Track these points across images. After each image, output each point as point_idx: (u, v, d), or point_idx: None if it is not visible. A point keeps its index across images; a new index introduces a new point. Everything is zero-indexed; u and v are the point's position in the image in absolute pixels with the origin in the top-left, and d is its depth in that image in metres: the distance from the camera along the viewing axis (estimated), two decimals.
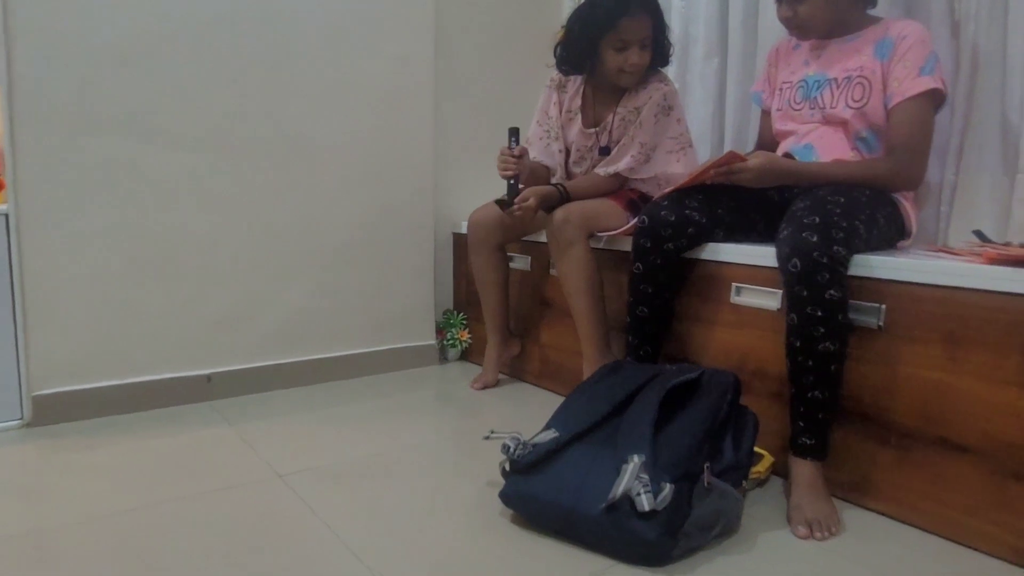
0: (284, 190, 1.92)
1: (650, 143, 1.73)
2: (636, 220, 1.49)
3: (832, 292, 1.17)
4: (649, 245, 1.46)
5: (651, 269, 1.47)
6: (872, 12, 1.51)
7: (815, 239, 1.18)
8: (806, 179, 1.42)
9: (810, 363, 1.19)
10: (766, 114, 1.71)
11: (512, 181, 1.71)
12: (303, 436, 1.59)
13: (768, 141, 1.68)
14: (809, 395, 1.21)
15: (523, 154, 1.71)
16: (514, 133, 1.71)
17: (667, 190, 1.53)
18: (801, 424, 1.23)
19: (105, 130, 1.64)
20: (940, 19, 1.57)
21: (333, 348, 2.05)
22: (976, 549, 1.13)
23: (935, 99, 1.40)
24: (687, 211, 1.45)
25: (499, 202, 1.73)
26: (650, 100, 1.70)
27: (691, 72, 2.14)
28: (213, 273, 1.82)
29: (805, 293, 1.18)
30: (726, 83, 2.06)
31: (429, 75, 2.18)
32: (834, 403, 1.22)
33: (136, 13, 1.66)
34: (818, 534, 1.16)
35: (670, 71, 2.14)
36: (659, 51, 1.71)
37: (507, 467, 1.21)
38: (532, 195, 1.70)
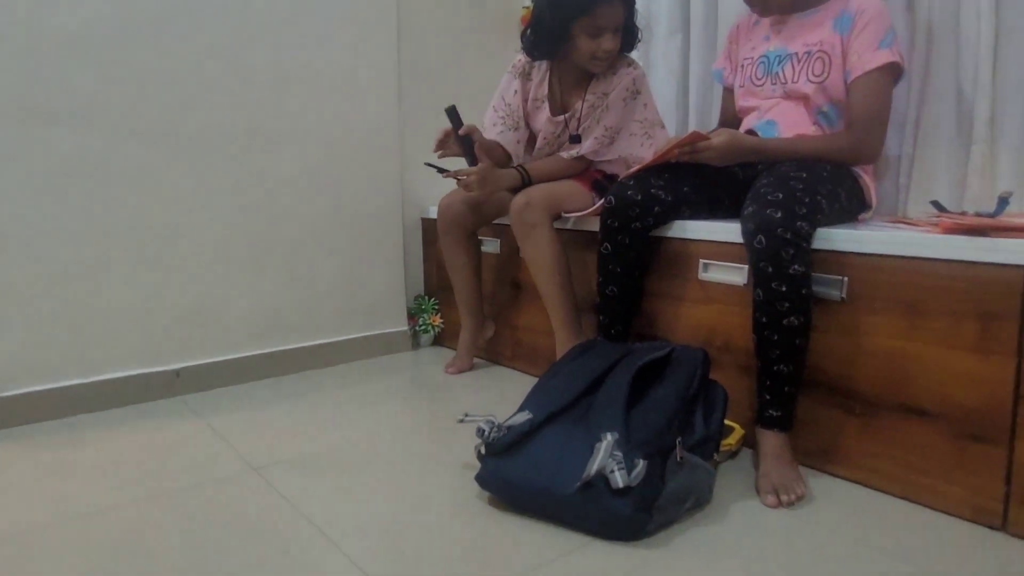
0: (246, 179, 1.89)
1: (615, 126, 1.72)
2: (603, 200, 1.50)
3: (796, 267, 1.19)
4: (616, 224, 1.47)
5: (619, 248, 1.48)
6: None
7: (779, 215, 1.20)
8: (769, 155, 1.44)
9: (776, 337, 1.22)
10: (728, 91, 1.72)
11: (467, 141, 1.66)
12: (277, 428, 1.58)
13: (731, 118, 1.70)
14: (775, 368, 1.24)
15: (471, 131, 1.67)
16: (452, 113, 1.66)
17: (632, 169, 1.54)
18: (767, 397, 1.26)
19: (57, 122, 1.59)
20: None
21: (304, 338, 2.04)
22: (938, 510, 1.17)
23: (893, 72, 1.43)
24: (653, 190, 1.47)
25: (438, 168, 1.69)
26: (619, 85, 1.70)
27: (654, 50, 2.15)
28: (177, 266, 1.79)
29: (770, 269, 1.20)
30: (689, 60, 2.07)
31: (392, 59, 2.16)
32: (799, 376, 1.25)
33: (87, 1, 1.61)
34: (784, 498, 1.19)
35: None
36: (628, 37, 1.69)
37: (482, 450, 1.22)
38: (487, 173, 1.66)
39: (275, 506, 1.20)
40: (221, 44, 1.81)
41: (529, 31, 1.71)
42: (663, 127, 1.79)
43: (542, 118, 1.82)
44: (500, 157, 1.87)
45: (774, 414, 1.26)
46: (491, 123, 1.87)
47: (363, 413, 1.68)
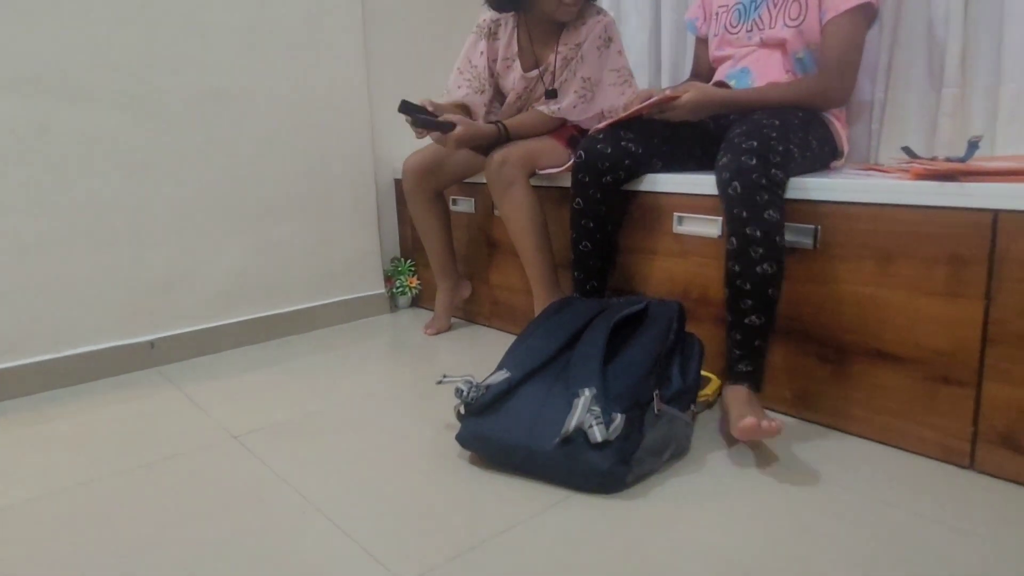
0: (211, 144, 1.84)
1: (593, 77, 1.69)
2: (573, 156, 1.48)
3: (770, 212, 1.19)
4: (588, 179, 1.46)
5: (591, 203, 1.47)
6: None
7: (753, 162, 1.19)
8: (739, 106, 1.42)
9: (748, 286, 1.21)
10: (701, 42, 1.69)
11: (424, 119, 1.59)
12: (255, 395, 1.57)
13: (704, 69, 1.68)
14: (746, 320, 1.23)
15: (430, 106, 1.61)
16: (407, 108, 1.58)
17: (602, 124, 1.52)
18: (738, 352, 1.24)
19: (9, 90, 1.53)
20: None
21: (279, 304, 2.02)
22: (910, 451, 1.20)
23: (867, 13, 1.41)
24: (623, 143, 1.45)
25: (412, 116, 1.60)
26: (591, 34, 1.66)
27: (626, 1, 2.10)
28: (145, 237, 1.75)
29: (745, 214, 1.20)
30: (660, 10, 2.03)
31: (356, 14, 2.09)
32: (769, 329, 1.24)
33: None
34: (764, 423, 1.12)
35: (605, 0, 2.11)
36: None
37: (462, 410, 1.22)
38: (465, 130, 1.60)
39: (256, 473, 1.20)
40: (180, 6, 1.74)
41: None
42: (633, 77, 1.76)
43: (514, 76, 1.77)
44: (468, 115, 1.82)
45: (744, 369, 1.24)
46: (455, 86, 1.81)
47: (341, 378, 1.67)
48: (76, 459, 1.28)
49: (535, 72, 1.75)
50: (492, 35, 1.78)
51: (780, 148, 1.23)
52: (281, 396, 1.56)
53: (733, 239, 1.22)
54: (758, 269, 1.20)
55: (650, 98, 1.43)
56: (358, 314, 2.19)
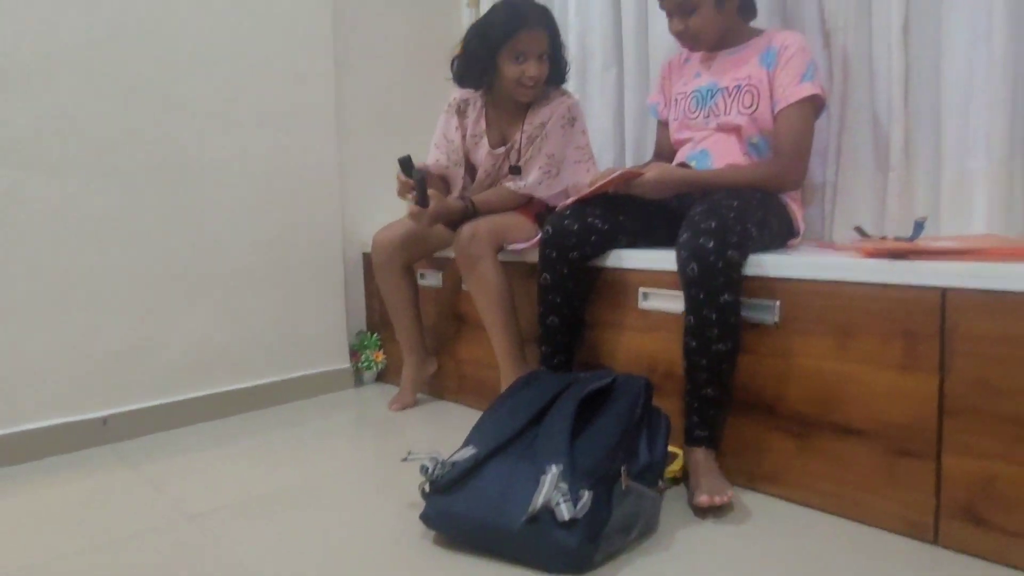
0: (179, 214, 1.84)
1: (557, 155, 1.75)
2: (540, 232, 1.52)
3: (726, 296, 1.23)
4: (555, 255, 1.48)
5: (558, 278, 1.50)
6: (753, 24, 1.60)
7: (711, 244, 1.23)
8: (700, 185, 1.48)
9: (704, 362, 1.26)
10: (662, 124, 1.77)
11: (420, 178, 1.63)
12: (213, 474, 1.52)
13: (666, 150, 1.75)
14: (702, 392, 1.29)
15: (425, 176, 1.66)
16: (405, 163, 1.64)
17: (568, 201, 1.57)
18: (695, 419, 1.31)
19: None
20: (813, 29, 1.68)
21: (241, 379, 1.98)
22: (874, 526, 1.20)
23: (815, 104, 1.50)
24: (590, 219, 1.49)
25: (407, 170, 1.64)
26: (555, 113, 1.73)
27: (590, 84, 2.20)
28: (103, 307, 1.72)
29: (702, 296, 1.24)
30: (623, 93, 2.12)
31: (330, 91, 2.15)
32: (725, 400, 1.31)
33: (13, 32, 1.56)
34: (717, 498, 1.22)
35: (570, 83, 2.20)
36: (556, 67, 1.74)
37: (427, 488, 1.19)
38: (437, 205, 1.66)
39: (211, 556, 1.15)
40: (151, 76, 1.77)
41: (457, 61, 1.75)
42: (593, 159, 1.83)
43: (481, 152, 1.83)
44: (442, 190, 1.87)
45: (701, 434, 1.31)
46: (434, 160, 1.88)
47: (303, 455, 1.63)
48: (21, 542, 1.21)
49: (502, 149, 1.80)
50: (462, 113, 1.85)
51: (738, 228, 1.28)
52: (239, 475, 1.51)
53: (691, 317, 1.26)
54: (713, 348, 1.25)
55: (613, 175, 1.48)
56: (322, 389, 2.15)
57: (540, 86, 1.71)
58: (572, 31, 2.19)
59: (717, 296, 1.23)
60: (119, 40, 1.72)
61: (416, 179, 1.62)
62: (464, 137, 1.85)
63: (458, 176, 1.86)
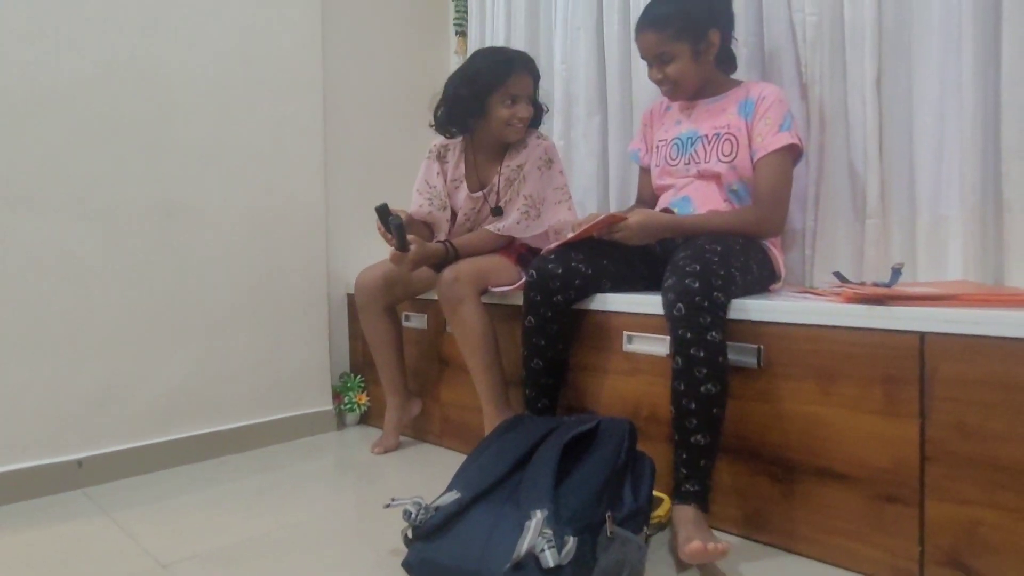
0: (163, 255, 1.83)
1: (536, 195, 1.78)
2: (525, 275, 1.53)
3: (713, 334, 1.24)
4: (539, 298, 1.49)
5: (542, 322, 1.50)
6: (732, 76, 1.66)
7: (696, 285, 1.25)
8: (683, 230, 1.51)
9: (693, 406, 1.24)
10: (644, 171, 1.81)
11: (397, 224, 1.63)
12: (189, 520, 1.48)
13: (647, 196, 1.78)
14: (692, 440, 1.24)
15: (402, 222, 1.65)
16: (382, 211, 1.64)
17: (553, 245, 1.58)
18: (684, 471, 1.25)
19: None
20: (791, 82, 1.73)
21: (220, 421, 1.94)
22: (859, 572, 1.19)
23: (793, 153, 1.54)
24: (573, 263, 1.50)
25: (386, 222, 1.65)
26: (532, 155, 1.78)
27: (575, 129, 2.24)
28: (83, 347, 1.70)
29: (689, 335, 1.24)
30: (608, 139, 2.17)
31: (317, 134, 2.17)
32: (714, 449, 1.25)
33: (2, 71, 1.57)
34: (711, 545, 1.12)
35: (556, 128, 2.25)
36: (537, 113, 1.81)
37: (409, 534, 1.17)
38: (417, 250, 1.66)
39: None
40: (139, 117, 1.78)
41: (441, 109, 1.79)
42: (570, 196, 1.86)
43: (461, 196, 1.87)
44: (425, 235, 1.89)
45: (691, 489, 1.25)
46: (417, 206, 1.91)
47: (283, 500, 1.60)
48: None
49: (480, 193, 1.84)
50: (442, 158, 1.90)
51: (722, 272, 1.29)
52: (217, 520, 1.48)
53: (678, 359, 1.26)
54: (702, 389, 1.23)
55: (598, 219, 1.51)
56: (303, 432, 2.12)
57: (527, 125, 1.77)
58: (558, 77, 2.24)
59: (704, 334, 1.23)
60: (108, 81, 1.73)
61: (393, 225, 1.63)
62: (445, 181, 1.89)
63: (443, 220, 1.89)
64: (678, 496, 1.26)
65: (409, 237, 1.66)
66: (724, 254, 1.34)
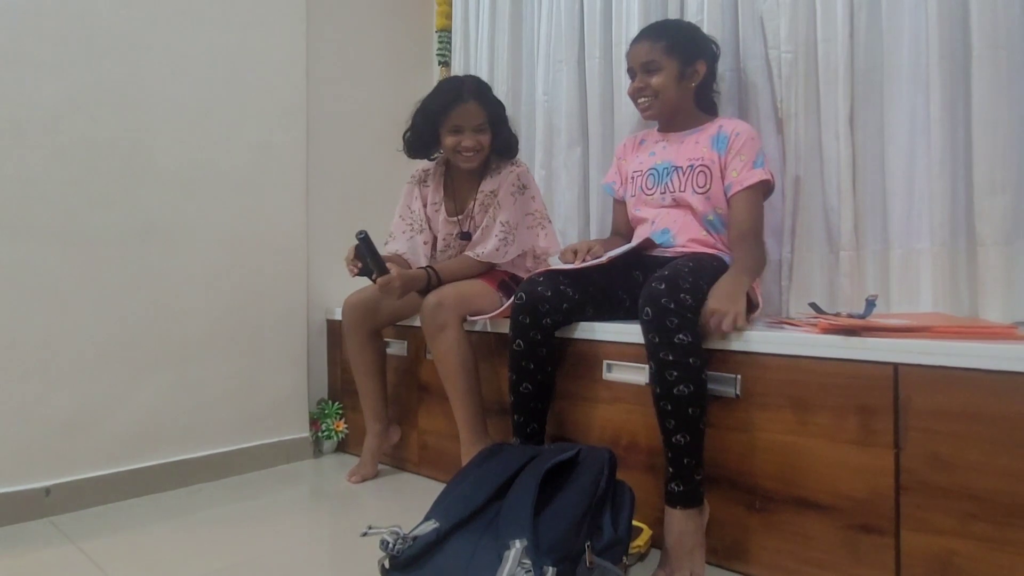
0: (140, 279, 1.81)
1: (511, 221, 1.81)
2: (513, 298, 1.52)
3: (681, 336, 1.26)
4: (528, 321, 1.49)
5: (531, 345, 1.50)
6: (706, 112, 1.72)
7: (663, 287, 1.29)
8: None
9: (670, 407, 1.26)
10: (619, 203, 1.84)
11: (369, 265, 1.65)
12: (159, 550, 1.45)
13: (622, 227, 1.81)
14: (673, 440, 1.26)
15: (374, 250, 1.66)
16: (363, 239, 1.63)
17: (540, 269, 1.58)
18: (671, 470, 1.28)
19: None
20: (767, 116, 1.77)
21: (193, 448, 1.91)
22: None
23: (766, 188, 1.59)
24: (562, 287, 1.51)
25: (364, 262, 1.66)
26: (505, 182, 1.81)
27: (556, 159, 2.26)
28: (54, 372, 1.66)
29: (657, 339, 1.27)
30: (589, 169, 2.19)
31: (300, 159, 2.18)
32: (697, 448, 1.27)
33: None
34: None
35: (538, 158, 2.28)
36: (502, 141, 1.84)
37: (387, 564, 1.15)
38: (398, 276, 1.67)
39: None
40: (118, 141, 1.77)
41: (408, 134, 1.85)
42: (550, 222, 1.90)
43: (440, 220, 1.91)
44: (406, 267, 1.89)
45: (676, 488, 1.27)
46: (399, 230, 1.94)
47: (257, 529, 1.57)
48: None
49: (457, 218, 1.88)
50: (423, 182, 1.95)
51: (690, 279, 1.33)
52: (188, 551, 1.44)
53: (652, 363, 1.29)
54: (675, 391, 1.25)
55: (590, 250, 1.53)
56: (279, 459, 2.09)
57: (481, 155, 1.80)
58: (540, 108, 2.27)
59: (672, 336, 1.25)
60: (87, 104, 1.72)
61: (364, 250, 1.64)
62: (425, 205, 1.93)
63: (420, 244, 1.93)
64: (666, 498, 1.29)
65: (388, 264, 1.66)
66: (695, 270, 1.38)
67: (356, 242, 1.63)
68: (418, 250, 1.93)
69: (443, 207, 1.90)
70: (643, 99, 1.67)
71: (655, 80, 1.63)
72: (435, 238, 1.95)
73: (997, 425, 1.05)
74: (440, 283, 1.75)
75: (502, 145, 1.85)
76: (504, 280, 1.84)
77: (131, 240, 1.79)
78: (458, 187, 1.90)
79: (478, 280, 1.80)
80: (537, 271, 1.56)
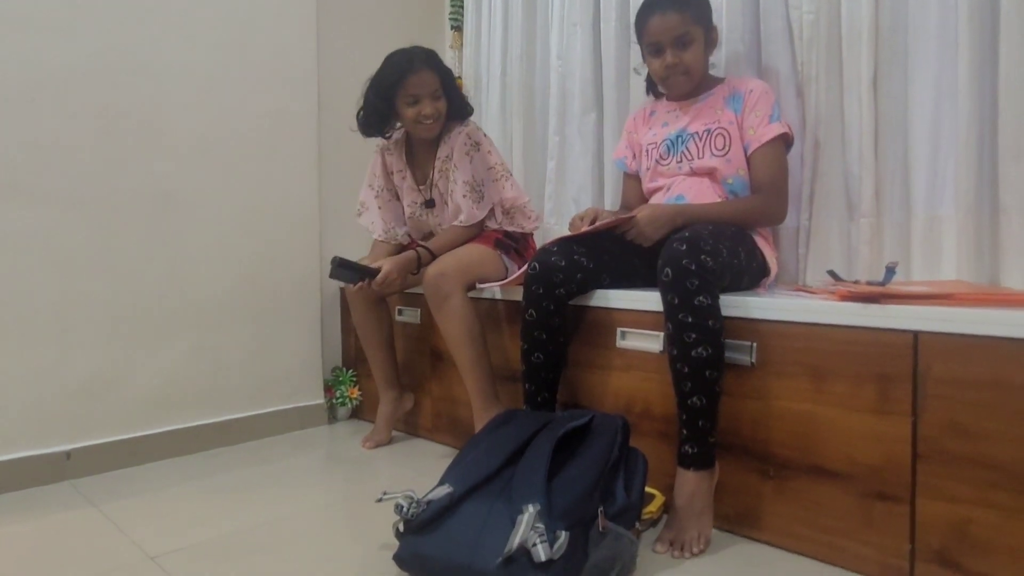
0: (156, 246, 1.82)
1: (475, 179, 1.81)
2: (527, 267, 1.51)
3: (701, 298, 1.24)
4: (541, 291, 1.48)
5: (544, 315, 1.49)
6: (713, 72, 1.68)
7: (684, 248, 1.26)
8: (691, 216, 1.47)
9: (686, 370, 1.25)
10: (629, 177, 1.81)
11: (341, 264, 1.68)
12: (177, 512, 1.47)
13: (633, 202, 1.77)
14: (689, 402, 1.26)
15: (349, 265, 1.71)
16: (341, 266, 1.68)
17: (555, 238, 1.57)
18: (684, 432, 1.28)
19: None
20: (786, 81, 1.73)
21: (211, 413, 1.93)
22: (850, 570, 1.19)
23: (786, 141, 1.56)
24: (575, 256, 1.50)
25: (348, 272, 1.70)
26: (457, 143, 1.82)
27: (570, 126, 2.23)
28: (73, 338, 1.68)
29: (676, 300, 1.25)
30: (604, 136, 2.16)
31: (312, 128, 2.16)
32: (713, 411, 1.27)
33: None
34: (676, 553, 1.23)
35: (551, 125, 2.24)
36: (455, 103, 1.84)
37: (401, 527, 1.17)
38: (392, 266, 1.72)
39: None
40: (133, 108, 1.77)
41: (360, 113, 1.84)
42: (511, 174, 1.90)
43: (406, 188, 1.94)
44: (391, 253, 1.91)
45: (690, 451, 1.28)
46: (370, 199, 1.97)
47: (273, 493, 1.59)
48: None
49: (420, 187, 1.91)
50: (387, 150, 1.96)
51: (710, 242, 1.30)
52: (206, 513, 1.47)
53: (669, 324, 1.27)
54: (693, 353, 1.24)
55: (596, 218, 1.50)
56: (294, 425, 2.11)
57: (440, 122, 1.81)
58: (554, 73, 2.24)
59: (692, 298, 1.24)
60: (102, 71, 1.71)
61: (355, 271, 1.69)
62: (391, 173, 1.96)
63: (391, 217, 1.96)
64: (679, 460, 1.29)
65: (376, 263, 1.71)
66: (715, 232, 1.36)
67: (332, 269, 1.67)
68: (398, 211, 1.97)
69: (408, 174, 1.93)
70: (679, 77, 1.59)
71: (688, 55, 1.55)
72: (402, 207, 1.98)
73: (1018, 394, 1.03)
74: (432, 258, 1.76)
75: (456, 111, 1.85)
76: (499, 239, 1.84)
77: (144, 207, 1.80)
78: (419, 157, 1.92)
79: (475, 244, 1.81)
80: (550, 241, 1.54)
